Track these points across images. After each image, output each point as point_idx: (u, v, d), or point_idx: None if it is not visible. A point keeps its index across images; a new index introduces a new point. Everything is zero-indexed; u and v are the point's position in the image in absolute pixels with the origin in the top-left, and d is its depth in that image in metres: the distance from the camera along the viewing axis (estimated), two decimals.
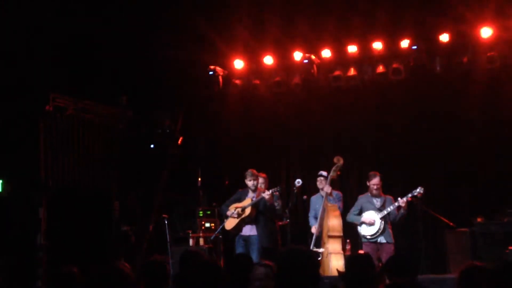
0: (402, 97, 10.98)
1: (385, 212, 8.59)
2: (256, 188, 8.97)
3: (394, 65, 10.54)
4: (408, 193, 8.57)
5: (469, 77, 10.41)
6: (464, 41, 10.26)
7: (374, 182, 8.73)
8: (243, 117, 11.76)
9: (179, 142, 11.23)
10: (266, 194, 8.63)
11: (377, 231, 8.56)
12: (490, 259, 8.25)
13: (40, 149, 9.33)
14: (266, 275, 5.21)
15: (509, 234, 9.14)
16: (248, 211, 8.81)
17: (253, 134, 11.93)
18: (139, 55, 10.51)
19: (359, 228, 8.75)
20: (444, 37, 10.19)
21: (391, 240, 8.64)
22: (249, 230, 8.90)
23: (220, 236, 9.95)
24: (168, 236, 9.63)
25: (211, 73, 11.30)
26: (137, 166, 10.94)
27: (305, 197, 10.06)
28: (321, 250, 8.78)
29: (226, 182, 11.32)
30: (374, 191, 8.74)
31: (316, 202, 9.39)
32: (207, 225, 10.66)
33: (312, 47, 10.93)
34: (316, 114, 11.52)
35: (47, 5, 9.42)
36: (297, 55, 10.97)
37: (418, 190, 8.55)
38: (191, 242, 10.41)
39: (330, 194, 9.06)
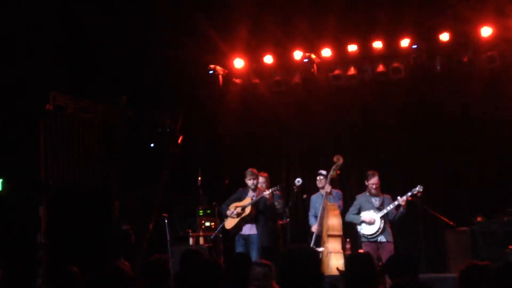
0: (402, 96, 10.97)
1: (384, 211, 8.60)
2: (256, 187, 8.97)
3: (394, 64, 10.54)
4: (407, 192, 8.58)
5: (469, 77, 10.42)
6: (464, 41, 10.26)
7: (373, 181, 8.73)
8: (243, 116, 11.76)
9: (179, 141, 11.22)
10: (266, 194, 8.63)
11: (377, 230, 8.57)
12: (490, 258, 8.23)
13: (40, 148, 9.32)
14: (264, 274, 5.21)
15: (509, 233, 9.14)
16: (248, 210, 8.82)
17: (253, 133, 11.93)
18: (139, 54, 10.51)
19: (358, 227, 8.75)
20: (444, 36, 10.19)
21: (391, 239, 8.65)
22: (249, 229, 8.90)
23: (220, 235, 9.95)
24: (168, 235, 9.64)
25: (211, 72, 11.29)
26: (137, 166, 10.94)
27: (305, 196, 10.06)
28: (321, 249, 8.78)
29: (226, 181, 11.31)
30: (373, 191, 8.75)
31: (316, 201, 9.39)
32: (207, 224, 10.65)
33: (312, 46, 10.92)
34: (316, 113, 11.52)
35: (47, 5, 9.41)
36: (297, 54, 10.97)
37: (417, 188, 8.56)
38: (191, 241, 10.41)
39: (330, 193, 9.06)
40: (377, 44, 10.55)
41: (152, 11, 10.35)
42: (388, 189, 9.14)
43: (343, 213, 8.98)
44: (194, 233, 10.49)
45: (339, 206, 9.01)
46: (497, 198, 9.99)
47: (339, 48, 10.87)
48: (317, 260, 3.40)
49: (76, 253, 8.52)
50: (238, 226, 8.91)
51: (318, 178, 9.38)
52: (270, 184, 9.14)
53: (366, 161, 10.93)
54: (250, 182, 8.95)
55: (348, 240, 9.36)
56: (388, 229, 8.66)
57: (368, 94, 11.15)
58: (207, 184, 11.47)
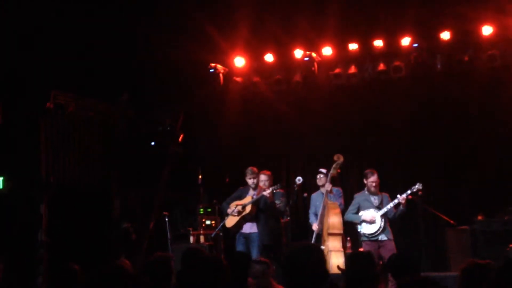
0: (402, 95, 10.97)
1: (385, 210, 8.59)
2: (257, 186, 8.98)
3: (395, 63, 10.53)
4: (407, 190, 8.59)
5: (469, 75, 10.42)
6: (465, 39, 10.25)
7: (373, 179, 8.73)
8: (244, 114, 11.75)
9: (179, 140, 11.23)
10: (266, 193, 8.64)
11: (378, 229, 8.56)
12: (491, 257, 8.24)
13: (41, 147, 9.34)
14: (262, 272, 5.23)
15: (509, 232, 9.14)
16: (248, 208, 8.82)
17: (254, 132, 11.93)
18: (140, 53, 10.51)
19: (359, 227, 8.75)
20: (445, 35, 10.18)
21: (391, 236, 8.65)
22: (249, 228, 8.91)
23: (221, 234, 9.96)
24: (168, 233, 9.65)
25: (211, 71, 11.29)
26: (137, 164, 10.94)
27: (305, 194, 10.07)
28: (321, 247, 8.78)
29: (227, 180, 11.32)
30: (373, 189, 8.75)
31: (316, 199, 9.39)
32: (208, 222, 10.66)
33: (312, 45, 10.92)
34: (317, 111, 11.51)
35: (48, 3, 9.41)
36: (298, 53, 10.96)
37: (417, 186, 8.57)
38: (191, 239, 10.42)
39: (331, 191, 9.06)
40: (378, 43, 10.55)
41: (153, 10, 10.34)
42: (389, 188, 9.14)
43: (344, 211, 8.98)
44: (195, 231, 10.50)
45: (340, 204, 9.01)
46: (497, 197, 9.99)
47: (339, 47, 10.86)
48: (322, 258, 3.39)
49: (76, 252, 8.52)
50: (239, 225, 8.91)
51: (318, 176, 9.38)
52: (272, 182, 9.14)
53: (366, 160, 10.93)
54: (250, 181, 8.96)
55: (348, 238, 9.36)
56: (388, 228, 8.66)
57: (369, 92, 11.14)
58: (208, 183, 11.48)
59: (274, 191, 8.81)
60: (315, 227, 9.04)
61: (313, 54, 10.85)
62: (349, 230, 9.31)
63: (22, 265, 9.01)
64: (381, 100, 11.17)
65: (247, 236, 8.89)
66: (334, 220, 8.80)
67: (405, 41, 10.41)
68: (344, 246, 8.91)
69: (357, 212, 8.79)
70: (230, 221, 8.97)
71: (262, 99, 11.68)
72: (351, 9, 10.37)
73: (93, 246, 9.35)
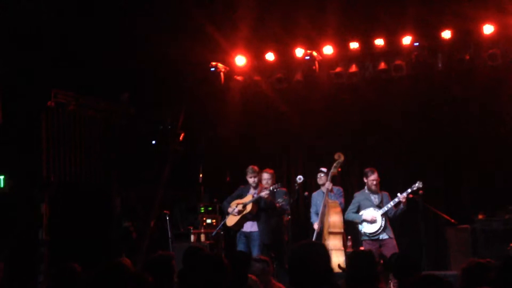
0: (403, 93, 10.96)
1: (385, 208, 8.59)
2: (257, 184, 8.98)
3: (396, 62, 10.52)
4: (407, 189, 8.59)
5: (470, 74, 10.41)
6: (466, 38, 10.24)
7: (373, 178, 8.73)
8: (245, 113, 11.75)
9: (180, 138, 11.23)
10: (264, 193, 8.63)
11: (379, 228, 8.56)
12: (491, 256, 8.24)
13: (42, 145, 9.34)
14: (262, 270, 5.24)
15: (510, 231, 9.15)
16: (249, 207, 8.82)
17: (254, 131, 11.93)
18: (141, 51, 10.50)
19: (360, 226, 8.74)
20: (446, 34, 10.17)
21: (392, 235, 8.65)
22: (250, 227, 8.91)
23: (222, 232, 9.97)
24: (169, 232, 9.66)
25: (212, 69, 11.29)
26: (138, 163, 10.96)
27: (306, 193, 10.07)
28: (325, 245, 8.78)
29: (227, 179, 11.33)
30: (374, 187, 8.74)
31: (317, 198, 9.39)
32: (208, 221, 10.67)
33: (313, 44, 10.91)
34: (317, 110, 11.51)
35: (49, 2, 9.41)
36: (299, 52, 10.96)
37: (417, 184, 8.57)
38: (192, 238, 10.42)
39: (331, 190, 9.05)
40: (379, 42, 10.54)
41: (153, 9, 10.34)
42: (389, 187, 9.14)
43: (344, 210, 8.98)
44: (195, 230, 10.51)
45: (340, 203, 9.01)
46: (498, 195, 9.99)
47: (340, 46, 10.86)
48: (327, 255, 3.40)
49: (77, 250, 8.54)
50: (240, 224, 8.91)
51: (318, 175, 9.38)
52: (275, 180, 9.14)
53: (367, 159, 10.91)
54: (251, 179, 8.96)
55: (349, 237, 9.36)
56: (389, 226, 8.66)
57: (370, 91, 11.13)
58: (208, 181, 11.48)
59: (275, 189, 8.80)
60: (316, 226, 9.04)
61: (314, 53, 10.84)
62: (350, 229, 9.31)
63: (23, 264, 9.02)
64: (382, 99, 11.16)
65: (248, 235, 8.89)
66: (335, 219, 8.80)
67: (406, 40, 10.40)
68: (344, 245, 8.91)
69: (358, 211, 8.79)
70: (231, 220, 8.97)
71: (263, 98, 11.68)
72: (352, 8, 10.37)
73: (93, 245, 9.36)
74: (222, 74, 11.41)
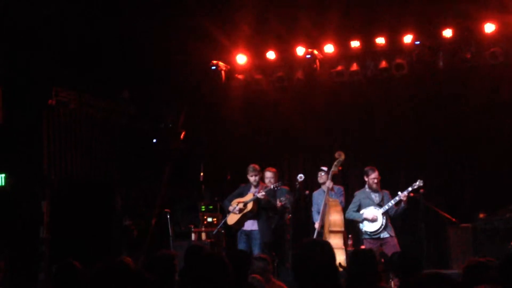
0: (404, 92, 10.96)
1: (386, 207, 8.60)
2: (258, 183, 8.97)
3: (397, 61, 10.51)
4: (408, 187, 8.58)
5: (472, 73, 10.40)
6: (467, 37, 10.23)
7: (374, 176, 8.74)
8: (246, 112, 11.75)
9: (181, 137, 11.24)
10: (260, 194, 8.63)
11: (380, 227, 8.57)
12: (492, 255, 8.24)
13: (43, 143, 9.35)
14: (263, 268, 5.25)
15: (511, 230, 9.14)
16: (250, 206, 8.81)
17: (255, 129, 11.94)
18: (142, 50, 10.50)
19: (360, 224, 8.75)
20: (447, 33, 10.16)
21: (393, 233, 8.66)
22: (251, 225, 8.90)
23: (222, 231, 9.96)
24: (170, 230, 9.65)
25: (213, 68, 11.29)
26: (139, 161, 10.96)
27: (307, 192, 10.07)
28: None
29: (228, 177, 11.32)
30: (374, 186, 8.75)
31: (318, 197, 9.39)
32: (209, 219, 10.67)
33: (314, 42, 10.90)
34: (318, 109, 11.51)
35: (51, 0, 9.42)
36: (300, 50, 10.95)
37: (417, 183, 8.57)
38: (193, 236, 10.42)
39: (332, 189, 9.05)
40: (380, 40, 10.53)
41: (155, 8, 10.34)
42: (390, 185, 9.14)
43: (345, 209, 8.98)
44: (196, 228, 10.50)
45: (341, 202, 9.01)
46: (499, 194, 9.98)
47: (341, 44, 10.84)
48: (333, 253, 3.40)
49: (78, 248, 8.54)
50: (240, 222, 8.91)
51: (319, 174, 9.39)
52: (277, 179, 9.14)
53: (368, 157, 10.90)
54: (252, 178, 8.95)
55: (350, 236, 9.36)
56: (390, 224, 8.67)
57: (371, 90, 11.13)
58: (209, 180, 11.48)
59: (276, 188, 8.80)
60: (317, 225, 9.04)
61: (315, 52, 10.84)
62: (351, 228, 9.31)
63: (23, 262, 9.03)
64: (383, 98, 11.16)
65: (249, 234, 8.89)
66: (336, 217, 8.80)
67: (407, 38, 10.39)
68: (345, 244, 8.91)
69: (358, 210, 8.79)
70: (232, 219, 8.97)
71: (264, 97, 11.67)
72: (353, 6, 10.36)
73: (94, 243, 9.37)
74: (223, 72, 11.40)
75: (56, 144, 9.52)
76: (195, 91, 11.50)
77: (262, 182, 9.02)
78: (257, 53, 11.38)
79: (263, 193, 8.63)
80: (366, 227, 8.67)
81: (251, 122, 11.91)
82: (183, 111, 11.38)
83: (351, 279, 4.26)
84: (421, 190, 8.71)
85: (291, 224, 9.32)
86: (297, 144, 11.85)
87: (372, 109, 11.21)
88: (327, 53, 10.93)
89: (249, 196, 8.91)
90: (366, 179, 8.84)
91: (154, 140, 11.45)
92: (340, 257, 8.50)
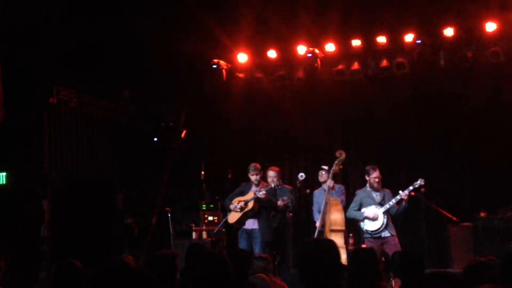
0: (406, 91, 10.95)
1: (387, 206, 8.59)
2: (259, 182, 8.97)
3: (398, 59, 10.50)
4: (409, 186, 8.58)
5: (473, 72, 10.40)
6: (468, 36, 10.22)
7: (375, 175, 8.73)
8: (247, 110, 11.75)
9: (182, 135, 11.23)
10: (261, 193, 8.62)
11: (381, 226, 8.56)
12: (493, 254, 8.24)
13: (44, 142, 9.35)
14: (263, 268, 5.26)
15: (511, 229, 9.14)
16: (251, 205, 8.82)
17: (256, 128, 11.94)
18: (143, 48, 10.50)
19: (361, 223, 8.74)
20: (449, 32, 10.15)
21: (394, 232, 8.65)
22: (252, 224, 8.91)
23: (223, 230, 9.97)
24: (171, 229, 9.66)
25: (214, 66, 11.29)
26: (140, 160, 10.96)
27: (308, 191, 10.07)
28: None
29: (229, 176, 11.32)
30: (376, 185, 8.74)
31: (319, 196, 9.39)
32: (210, 218, 10.67)
33: (315, 41, 10.90)
34: (319, 108, 11.52)
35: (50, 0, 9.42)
36: (301, 49, 10.94)
37: (418, 182, 8.56)
38: (194, 235, 10.42)
39: (333, 188, 9.05)
40: (381, 39, 10.53)
41: (155, 6, 10.33)
42: (392, 184, 9.13)
43: (345, 208, 8.98)
44: (197, 227, 10.51)
45: (341, 201, 9.01)
46: (500, 193, 9.98)
47: (342, 43, 10.84)
48: (338, 252, 3.40)
49: (79, 247, 8.55)
50: (241, 221, 8.91)
51: (319, 173, 9.39)
52: (280, 178, 9.13)
53: (369, 156, 10.90)
54: (253, 177, 8.96)
55: (351, 235, 9.36)
56: (391, 224, 8.66)
57: (372, 89, 11.13)
58: (210, 179, 11.48)
59: (277, 187, 8.80)
60: (318, 224, 9.04)
61: (316, 50, 10.83)
62: (351, 227, 9.31)
63: (24, 260, 9.03)
64: (384, 96, 11.15)
65: (250, 232, 8.89)
66: (336, 216, 8.80)
67: (408, 37, 10.37)
68: (346, 243, 8.91)
69: (359, 209, 8.79)
70: (233, 217, 8.97)
71: (265, 95, 11.67)
72: (354, 5, 10.35)
73: (95, 242, 9.37)
74: (224, 71, 11.40)
75: (57, 143, 9.52)
76: (196, 90, 11.49)
77: (263, 181, 9.02)
78: (258, 52, 11.37)
79: (264, 192, 8.63)
80: (367, 226, 8.66)
81: (252, 121, 11.91)
82: (184, 110, 11.37)
83: (352, 278, 4.25)
84: (422, 189, 8.71)
85: (291, 223, 9.32)
86: (298, 143, 11.84)
87: (373, 108, 11.20)
88: (328, 52, 10.92)
89: (250, 195, 8.91)
90: (367, 178, 8.83)
91: (155, 139, 11.45)
92: (341, 256, 8.49)
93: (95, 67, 10.03)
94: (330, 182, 9.01)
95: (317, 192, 9.51)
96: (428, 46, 10.39)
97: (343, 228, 8.85)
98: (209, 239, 10.01)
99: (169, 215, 9.75)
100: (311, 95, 11.51)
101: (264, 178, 9.16)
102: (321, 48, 10.90)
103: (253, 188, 8.98)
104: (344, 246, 8.76)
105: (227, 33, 10.88)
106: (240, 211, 8.86)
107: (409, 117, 10.96)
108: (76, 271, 4.55)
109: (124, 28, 10.13)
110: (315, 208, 9.43)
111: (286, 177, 11.12)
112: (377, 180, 8.72)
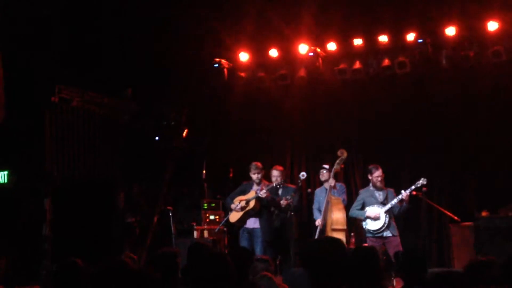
0: (407, 90, 10.94)
1: (389, 205, 8.58)
2: (261, 181, 8.98)
3: (400, 59, 10.50)
4: (411, 186, 8.57)
5: (474, 71, 10.38)
6: (470, 35, 10.21)
7: (378, 174, 8.72)
8: (248, 109, 11.75)
9: (184, 134, 11.23)
10: (262, 193, 8.62)
11: (383, 226, 8.55)
12: (494, 253, 8.23)
13: (45, 141, 9.35)
14: (264, 270, 5.25)
15: None
16: (252, 204, 8.82)
17: (258, 127, 11.93)
18: (145, 47, 10.50)
19: (363, 223, 8.73)
20: (450, 31, 10.14)
21: (396, 232, 8.64)
22: (253, 223, 8.92)
23: (225, 229, 9.97)
24: (172, 228, 9.66)
25: (216, 65, 11.29)
26: (142, 159, 10.96)
27: (309, 190, 10.07)
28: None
29: (231, 175, 11.32)
30: (378, 184, 8.73)
31: (320, 195, 9.39)
32: (212, 217, 10.68)
33: (317, 40, 10.90)
34: (321, 107, 11.51)
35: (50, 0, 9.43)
36: (302, 48, 10.94)
37: (420, 181, 8.55)
38: (195, 234, 10.43)
39: (334, 187, 9.05)
40: (383, 38, 10.52)
41: (156, 5, 10.34)
42: (394, 184, 9.13)
43: (347, 207, 8.98)
44: (199, 226, 10.52)
45: (343, 200, 9.01)
46: (501, 193, 9.96)
47: (344, 42, 10.83)
48: (345, 251, 3.40)
49: (80, 246, 8.55)
50: (242, 220, 8.92)
51: (320, 172, 9.39)
52: (284, 178, 9.13)
53: (371, 156, 10.89)
54: (254, 176, 8.96)
55: (352, 234, 9.36)
56: (393, 223, 8.65)
57: (373, 88, 11.11)
58: (212, 178, 11.48)
59: (279, 186, 8.80)
60: (318, 222, 9.04)
61: (318, 50, 10.84)
62: (353, 226, 9.30)
63: (26, 259, 9.04)
64: (385, 96, 11.13)
65: (251, 231, 8.90)
66: (338, 215, 8.80)
67: (410, 36, 10.37)
68: (347, 242, 8.92)
69: (362, 208, 8.78)
70: (234, 216, 8.98)
71: (266, 94, 11.67)
72: (356, 4, 10.35)
73: (97, 241, 9.37)
74: (225, 70, 11.41)
75: (58, 142, 9.52)
76: (197, 89, 11.50)
77: (264, 180, 9.03)
78: (259, 50, 11.37)
79: (265, 191, 8.63)
80: (369, 225, 8.66)
81: (254, 120, 11.90)
82: (186, 109, 11.37)
83: (353, 276, 4.24)
84: (424, 189, 8.70)
85: (295, 223, 9.32)
86: (299, 142, 11.84)
87: (375, 107, 11.19)
88: (329, 51, 10.92)
89: (251, 194, 8.92)
90: (370, 177, 8.82)
91: (157, 138, 11.45)
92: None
93: (96, 67, 10.03)
94: (331, 181, 9.01)
95: (318, 191, 9.51)
96: (430, 45, 10.37)
97: (345, 227, 8.85)
98: (211, 238, 10.01)
99: (171, 214, 9.74)
100: (312, 94, 11.51)
101: (268, 177, 9.16)
102: (323, 47, 10.90)
103: (255, 187, 8.99)
104: (345, 245, 8.77)
105: (228, 32, 10.89)
106: (241, 210, 8.86)
107: (410, 116, 10.95)
108: (78, 269, 4.55)
109: (125, 27, 10.13)
110: (315, 206, 9.43)
111: (288, 176, 11.11)
112: (379, 179, 8.72)
